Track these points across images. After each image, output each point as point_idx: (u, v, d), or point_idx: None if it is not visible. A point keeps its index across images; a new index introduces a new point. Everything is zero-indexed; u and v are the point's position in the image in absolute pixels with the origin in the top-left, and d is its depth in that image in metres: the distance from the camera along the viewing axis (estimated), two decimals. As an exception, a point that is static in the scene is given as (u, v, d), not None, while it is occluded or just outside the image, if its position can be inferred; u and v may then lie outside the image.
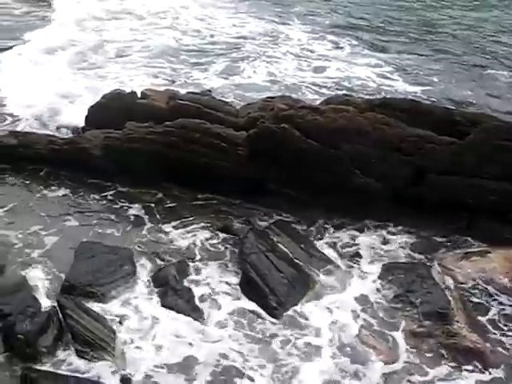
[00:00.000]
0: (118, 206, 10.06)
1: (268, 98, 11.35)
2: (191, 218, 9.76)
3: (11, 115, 12.77)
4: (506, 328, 8.01)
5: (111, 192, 10.37)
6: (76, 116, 12.13)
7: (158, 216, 9.85)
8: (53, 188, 10.41)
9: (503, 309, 8.32)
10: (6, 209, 9.77)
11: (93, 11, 19.59)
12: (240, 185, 10.05)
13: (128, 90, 11.79)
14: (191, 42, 17.73)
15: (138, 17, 19.55)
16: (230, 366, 7.31)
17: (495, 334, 7.95)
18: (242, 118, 10.59)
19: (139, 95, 11.49)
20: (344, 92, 13.37)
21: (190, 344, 7.53)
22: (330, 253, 9.15)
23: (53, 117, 12.59)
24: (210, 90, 13.08)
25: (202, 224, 9.63)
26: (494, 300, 8.44)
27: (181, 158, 10.14)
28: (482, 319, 8.21)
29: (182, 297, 8.07)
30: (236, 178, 10.01)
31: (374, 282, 8.68)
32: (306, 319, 8.00)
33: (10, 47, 16.18)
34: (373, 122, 9.72)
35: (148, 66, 15.66)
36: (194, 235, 9.41)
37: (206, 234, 9.43)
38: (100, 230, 9.46)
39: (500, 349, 7.71)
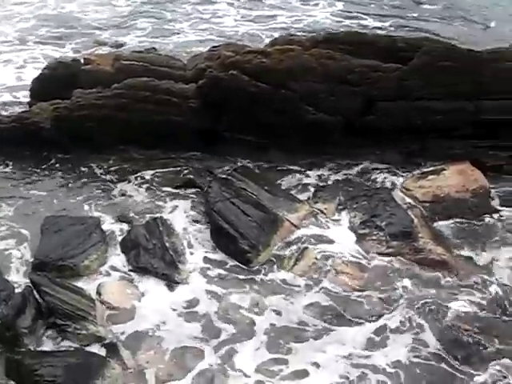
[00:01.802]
0: (76, 175, 9.35)
1: (213, 47, 10.67)
2: (153, 177, 9.19)
3: None
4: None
5: (67, 162, 9.63)
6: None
7: (119, 180, 9.23)
8: (5, 166, 9.58)
9: (461, 222, 8.32)
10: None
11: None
12: (196, 138, 9.49)
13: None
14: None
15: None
16: (212, 322, 6.94)
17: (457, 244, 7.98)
18: (189, 71, 9.91)
19: (82, 61, 10.68)
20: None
21: (169, 302, 7.11)
22: (294, 191, 8.82)
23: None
24: (154, 48, 12.28)
25: (165, 181, 9.08)
26: (454, 213, 8.39)
27: (133, 119, 9.44)
28: (445, 233, 8.16)
29: (155, 255, 7.58)
30: (191, 132, 9.43)
31: (340, 212, 8.44)
32: (279, 257, 7.71)
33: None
34: (318, 57, 9.22)
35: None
36: (158, 193, 8.88)
37: (170, 190, 8.90)
38: (62, 202, 8.77)
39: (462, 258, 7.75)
